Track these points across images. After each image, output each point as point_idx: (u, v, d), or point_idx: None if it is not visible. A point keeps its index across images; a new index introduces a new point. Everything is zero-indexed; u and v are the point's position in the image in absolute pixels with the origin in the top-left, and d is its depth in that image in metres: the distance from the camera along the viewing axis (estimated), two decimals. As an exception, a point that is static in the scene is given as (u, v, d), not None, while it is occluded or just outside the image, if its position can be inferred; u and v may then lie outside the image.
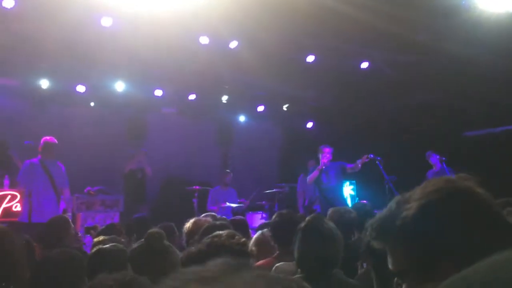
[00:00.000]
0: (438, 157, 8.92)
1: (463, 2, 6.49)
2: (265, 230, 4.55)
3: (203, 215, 5.24)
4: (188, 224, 4.25)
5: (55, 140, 7.45)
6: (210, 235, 2.37)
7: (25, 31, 7.04)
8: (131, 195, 9.11)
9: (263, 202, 9.98)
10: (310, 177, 8.71)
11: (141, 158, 9.38)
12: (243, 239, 2.36)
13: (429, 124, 10.07)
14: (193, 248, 2.33)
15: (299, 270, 2.88)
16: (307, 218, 3.00)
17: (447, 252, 1.03)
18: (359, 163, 8.42)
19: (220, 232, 2.39)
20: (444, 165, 8.29)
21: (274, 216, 4.24)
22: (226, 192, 9.60)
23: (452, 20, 6.87)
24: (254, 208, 9.97)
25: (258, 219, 9.46)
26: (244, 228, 4.70)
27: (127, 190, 9.25)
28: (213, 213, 5.67)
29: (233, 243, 2.27)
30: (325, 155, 8.58)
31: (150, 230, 2.83)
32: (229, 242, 2.26)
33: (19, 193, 7.42)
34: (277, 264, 3.32)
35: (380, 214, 1.21)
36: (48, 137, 7.43)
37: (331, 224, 2.95)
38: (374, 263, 2.30)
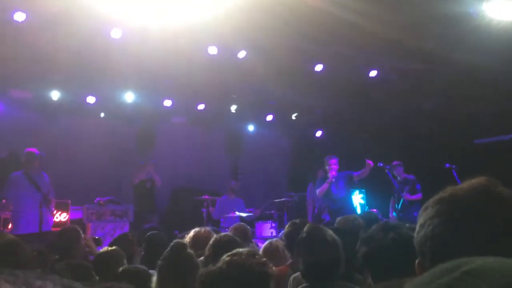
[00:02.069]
0: (402, 169, 8.94)
1: (471, 10, 6.48)
2: (274, 239, 4.55)
3: (232, 226, 5.08)
4: (187, 239, 4.08)
5: (38, 151, 7.43)
6: (230, 253, 2.33)
7: (36, 43, 7.12)
8: (141, 205, 9.14)
9: (272, 211, 9.97)
10: (320, 190, 8.69)
11: (150, 169, 9.40)
12: (264, 259, 2.32)
13: (439, 132, 10.02)
14: (212, 266, 2.30)
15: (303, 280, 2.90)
16: (305, 229, 3.00)
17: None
18: (366, 170, 8.41)
19: (240, 250, 2.35)
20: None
21: (287, 226, 4.23)
22: (234, 201, 9.59)
23: (461, 28, 6.86)
24: (263, 218, 9.95)
25: (267, 228, 9.44)
26: (244, 235, 4.62)
27: (137, 200, 9.28)
28: (243, 223, 5.44)
29: (253, 262, 2.23)
30: (332, 166, 8.57)
31: (175, 241, 2.89)
32: (250, 261, 2.22)
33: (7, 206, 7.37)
34: (294, 275, 3.33)
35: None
36: (30, 148, 7.43)
37: (330, 232, 2.96)
38: (372, 272, 2.31)
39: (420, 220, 1.20)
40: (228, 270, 2.18)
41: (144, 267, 3.34)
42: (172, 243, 2.86)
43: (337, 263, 2.82)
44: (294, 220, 4.29)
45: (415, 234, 1.21)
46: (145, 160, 9.56)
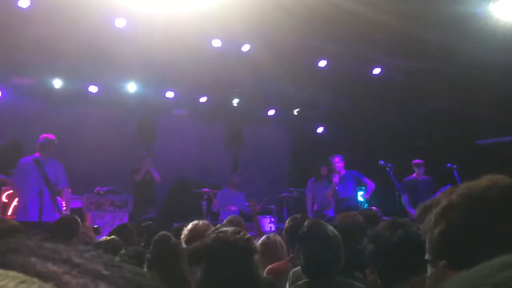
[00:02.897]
0: (423, 169, 8.91)
1: (478, 11, 6.46)
2: (271, 234, 4.55)
3: (227, 219, 5.14)
4: (185, 231, 3.92)
5: (54, 137, 7.18)
6: (216, 230, 2.42)
7: (39, 31, 7.10)
8: (141, 197, 9.12)
9: (272, 206, 9.97)
10: (325, 193, 8.82)
11: (148, 166, 9.26)
12: (248, 236, 2.39)
13: (441, 131, 10.01)
14: (198, 243, 2.37)
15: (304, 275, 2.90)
16: (305, 224, 3.01)
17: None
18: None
19: (226, 228, 2.43)
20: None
21: (288, 220, 4.23)
22: (234, 195, 9.58)
23: (466, 28, 6.84)
24: (263, 212, 9.96)
25: (267, 223, 9.45)
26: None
27: (136, 191, 9.26)
28: (237, 215, 5.50)
29: (238, 239, 2.30)
30: (335, 165, 8.63)
31: (159, 234, 2.89)
32: (234, 237, 2.30)
33: (14, 192, 7.20)
34: (294, 270, 3.33)
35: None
36: (47, 134, 7.16)
37: (330, 227, 2.98)
38: (379, 270, 2.30)
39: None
40: (214, 245, 2.25)
41: (143, 249, 3.34)
42: (155, 237, 2.87)
43: (337, 259, 2.83)
44: (294, 215, 4.29)
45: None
46: (146, 150, 9.53)
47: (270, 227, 9.09)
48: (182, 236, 4.01)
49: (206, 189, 9.35)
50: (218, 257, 2.23)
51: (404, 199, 8.79)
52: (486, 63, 7.39)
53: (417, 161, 8.99)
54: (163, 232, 3.00)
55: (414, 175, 8.99)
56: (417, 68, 8.61)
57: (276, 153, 11.95)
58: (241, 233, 2.35)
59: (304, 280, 2.86)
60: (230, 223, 4.81)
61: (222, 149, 11.65)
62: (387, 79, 9.12)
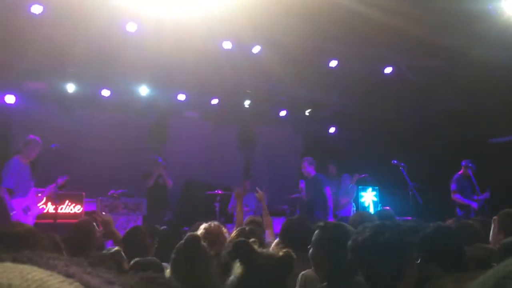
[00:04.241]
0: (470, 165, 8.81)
1: (490, 7, 6.40)
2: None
3: (248, 220, 5.29)
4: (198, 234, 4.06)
5: (33, 137, 7.22)
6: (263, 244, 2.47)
7: (52, 36, 7.17)
8: (154, 200, 9.15)
9: (285, 206, 9.96)
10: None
11: (161, 171, 9.27)
12: (294, 256, 2.42)
13: (454, 130, 9.93)
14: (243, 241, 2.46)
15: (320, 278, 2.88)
16: (327, 226, 2.99)
17: None
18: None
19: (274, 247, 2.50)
20: (470, 172, 8.16)
21: (283, 223, 4.27)
22: (247, 196, 9.60)
23: (478, 25, 6.78)
24: (276, 213, 9.95)
25: (280, 224, 9.45)
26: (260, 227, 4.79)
27: (149, 194, 9.29)
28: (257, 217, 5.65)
29: (278, 250, 2.38)
30: (303, 170, 9.00)
31: (189, 234, 2.93)
32: (282, 257, 2.35)
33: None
34: (303, 272, 3.30)
35: None
36: (33, 135, 7.25)
37: (350, 227, 2.95)
38: (366, 272, 2.29)
39: None
40: (260, 259, 2.30)
41: (156, 259, 3.35)
42: (186, 236, 2.89)
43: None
44: (290, 217, 4.34)
45: None
46: (159, 154, 9.55)
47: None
48: None
49: (219, 191, 9.37)
50: (259, 257, 2.25)
51: (458, 197, 8.66)
52: (499, 60, 7.32)
53: (466, 161, 8.92)
54: (194, 233, 3.04)
55: (460, 172, 8.91)
56: (429, 67, 8.56)
57: (288, 154, 11.93)
58: (287, 251, 2.39)
59: (324, 284, 2.81)
60: (251, 223, 4.92)
61: (234, 150, 11.66)
62: (399, 79, 9.07)
